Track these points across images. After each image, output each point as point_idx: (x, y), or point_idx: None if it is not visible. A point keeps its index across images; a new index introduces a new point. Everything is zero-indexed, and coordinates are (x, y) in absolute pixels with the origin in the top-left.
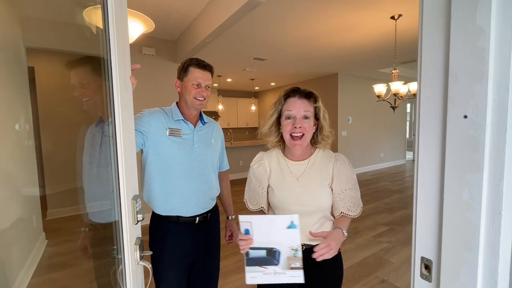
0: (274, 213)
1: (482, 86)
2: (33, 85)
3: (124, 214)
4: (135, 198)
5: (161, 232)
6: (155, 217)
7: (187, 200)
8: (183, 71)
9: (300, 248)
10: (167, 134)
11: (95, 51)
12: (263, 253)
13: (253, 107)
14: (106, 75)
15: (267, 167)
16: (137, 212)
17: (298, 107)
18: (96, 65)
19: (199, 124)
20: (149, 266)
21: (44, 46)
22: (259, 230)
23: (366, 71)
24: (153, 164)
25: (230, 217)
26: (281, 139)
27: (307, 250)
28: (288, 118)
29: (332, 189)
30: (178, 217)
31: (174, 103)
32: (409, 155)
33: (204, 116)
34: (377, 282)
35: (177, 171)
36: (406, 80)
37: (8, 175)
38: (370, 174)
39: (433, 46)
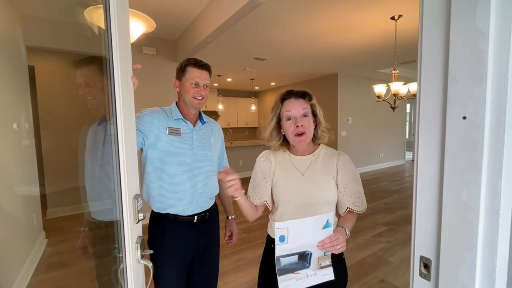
0: (278, 208)
1: (481, 87)
2: (33, 84)
3: (126, 213)
4: (136, 197)
5: (160, 231)
6: (154, 215)
7: (185, 198)
8: (181, 71)
9: None
10: (167, 133)
11: (95, 51)
12: (294, 258)
13: (253, 107)
14: (108, 74)
15: (273, 162)
16: (138, 211)
17: (296, 107)
18: (101, 64)
19: (199, 123)
20: (150, 265)
21: (44, 45)
22: (294, 235)
23: (366, 71)
24: (153, 162)
25: (230, 217)
26: (283, 142)
27: None
28: (289, 119)
29: (337, 184)
30: (176, 216)
31: (174, 102)
32: (408, 156)
33: (204, 115)
34: (376, 282)
35: (176, 169)
36: (406, 81)
37: (8, 174)
38: (370, 174)
39: (433, 47)
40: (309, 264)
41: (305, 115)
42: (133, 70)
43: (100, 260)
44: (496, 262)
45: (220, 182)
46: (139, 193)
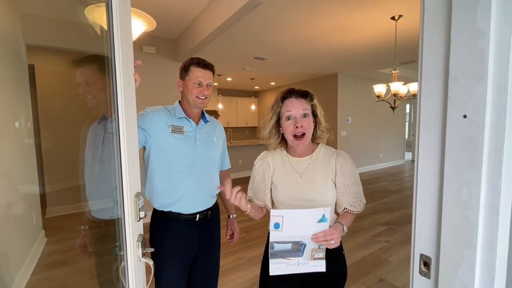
0: (277, 209)
1: (481, 86)
2: (33, 82)
3: (127, 211)
4: (137, 195)
5: (162, 229)
6: (155, 214)
7: (188, 196)
8: (184, 71)
9: None
10: (170, 131)
11: (96, 49)
12: (288, 246)
13: (253, 107)
14: (110, 72)
15: (271, 165)
16: (139, 209)
17: (297, 107)
18: (102, 64)
19: (201, 122)
20: (151, 263)
21: (44, 44)
22: (289, 224)
23: (366, 71)
24: (156, 160)
25: (231, 216)
26: (282, 141)
27: None
28: (288, 119)
29: (335, 184)
30: (178, 214)
31: (177, 101)
32: (408, 156)
33: (206, 114)
34: (375, 281)
35: (179, 167)
36: (406, 81)
37: (8, 173)
38: (369, 174)
39: (434, 46)
40: (302, 254)
41: (305, 116)
42: (134, 67)
43: (100, 258)
44: (495, 260)
45: (221, 180)
46: (140, 191)
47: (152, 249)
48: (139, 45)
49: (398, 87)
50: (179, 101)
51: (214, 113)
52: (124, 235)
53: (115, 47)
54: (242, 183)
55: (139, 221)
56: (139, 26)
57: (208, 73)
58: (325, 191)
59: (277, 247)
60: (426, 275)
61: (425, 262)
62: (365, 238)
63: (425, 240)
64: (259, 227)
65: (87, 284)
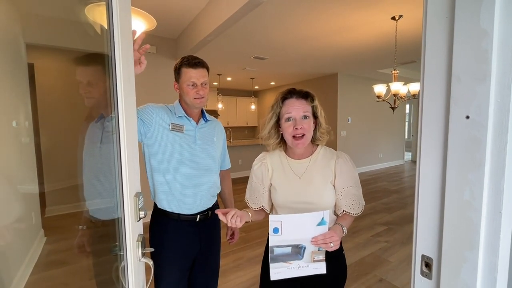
0: (277, 212)
1: (484, 87)
2: (33, 82)
3: (127, 211)
4: (137, 195)
5: (162, 229)
6: (156, 214)
7: (187, 196)
8: (177, 73)
9: None
10: (169, 128)
11: (96, 49)
12: (288, 250)
13: (253, 106)
14: (110, 71)
15: (269, 167)
16: (139, 209)
17: (297, 108)
18: (105, 64)
19: (201, 121)
20: (150, 263)
21: (44, 43)
22: (288, 229)
23: (366, 71)
24: (155, 158)
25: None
26: (281, 141)
27: None
28: (288, 120)
29: (334, 187)
30: (178, 214)
31: (177, 100)
32: (407, 156)
33: (207, 114)
34: (375, 281)
35: (178, 166)
36: (406, 81)
37: (7, 172)
38: (369, 174)
39: (436, 47)
40: (302, 257)
41: (305, 117)
42: (143, 51)
43: (99, 258)
44: (498, 261)
45: (221, 180)
46: (140, 190)
47: (152, 249)
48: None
49: (398, 87)
50: (179, 100)
51: (214, 113)
52: (124, 235)
53: (115, 46)
54: (242, 182)
55: (139, 221)
56: (140, 25)
57: (200, 71)
58: (324, 193)
59: (277, 251)
60: (427, 276)
61: (427, 263)
62: (364, 238)
63: (427, 241)
64: (258, 227)
65: (87, 284)
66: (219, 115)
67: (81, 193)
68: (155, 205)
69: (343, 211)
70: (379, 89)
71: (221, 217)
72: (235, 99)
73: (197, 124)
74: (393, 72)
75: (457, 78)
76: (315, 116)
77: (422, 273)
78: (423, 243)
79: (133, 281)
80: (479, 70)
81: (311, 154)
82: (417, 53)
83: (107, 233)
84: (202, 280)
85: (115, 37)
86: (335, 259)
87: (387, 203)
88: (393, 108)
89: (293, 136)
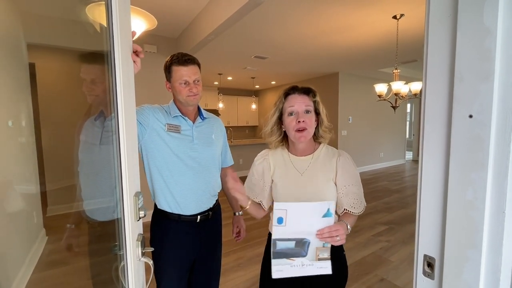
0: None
1: (487, 85)
2: (34, 81)
3: (127, 211)
4: (137, 194)
5: (162, 230)
6: (156, 214)
7: (187, 196)
8: (167, 72)
9: None
10: (165, 129)
11: (97, 48)
12: (291, 244)
13: (254, 106)
14: (109, 70)
15: (271, 164)
16: (139, 208)
17: (300, 102)
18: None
19: (198, 119)
20: (150, 262)
21: (45, 43)
22: (293, 219)
23: (367, 70)
24: (153, 159)
25: (237, 213)
26: (283, 139)
27: None
28: (291, 114)
29: (336, 185)
30: (179, 215)
31: (171, 100)
32: (408, 155)
33: (204, 111)
34: (376, 281)
35: (176, 166)
36: (407, 80)
37: (8, 172)
38: (370, 173)
39: (439, 45)
40: (306, 253)
41: (307, 112)
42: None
43: (98, 258)
44: (501, 262)
45: (223, 179)
46: (139, 190)
47: (152, 249)
48: (140, 43)
49: (400, 87)
50: (173, 100)
51: (215, 112)
52: (124, 234)
53: (114, 45)
54: (243, 182)
55: (138, 220)
56: (140, 24)
57: (192, 68)
58: (326, 190)
59: (280, 245)
60: (430, 276)
61: (429, 263)
62: (365, 237)
63: (429, 241)
64: (259, 226)
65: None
66: (220, 115)
67: (79, 194)
68: (155, 205)
69: (344, 209)
70: (380, 88)
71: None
72: (235, 98)
73: (193, 122)
74: (394, 71)
75: (460, 76)
76: (317, 113)
77: (424, 273)
78: (425, 243)
79: (133, 281)
80: (482, 68)
81: (313, 152)
82: (419, 52)
83: (104, 233)
84: (203, 280)
85: (115, 36)
86: (336, 259)
87: (388, 203)
88: (394, 108)
89: (296, 130)
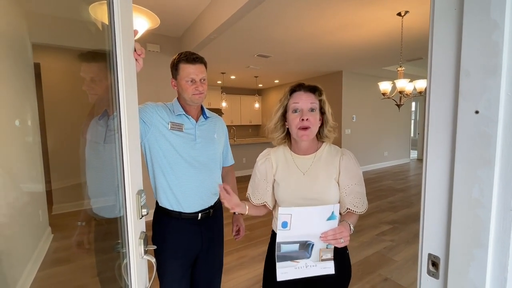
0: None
1: (495, 80)
2: (39, 81)
3: (129, 209)
4: (139, 193)
5: (164, 227)
6: (158, 212)
7: (189, 194)
8: (174, 70)
9: None
10: (169, 128)
11: (101, 47)
12: (295, 247)
13: (257, 105)
14: (111, 69)
15: (273, 162)
16: (141, 206)
17: (305, 100)
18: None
19: (201, 118)
20: (153, 260)
21: (50, 43)
22: (297, 223)
23: (371, 69)
24: (156, 157)
25: (236, 212)
26: (286, 136)
27: None
28: (295, 111)
29: (338, 184)
30: (180, 213)
31: (175, 98)
32: (413, 154)
33: (206, 110)
34: (380, 280)
35: (178, 164)
36: (412, 78)
37: (14, 171)
38: (374, 172)
39: (445, 40)
40: (310, 255)
41: (312, 110)
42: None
43: (103, 256)
44: (508, 261)
45: (224, 178)
46: (142, 188)
47: (154, 247)
48: (143, 43)
49: (404, 85)
50: (177, 98)
51: (218, 111)
52: (126, 232)
53: (116, 43)
54: (246, 181)
55: (141, 218)
56: (143, 23)
57: (199, 67)
58: (328, 190)
59: (284, 248)
60: (434, 275)
61: (434, 262)
62: (369, 236)
63: (434, 239)
64: (262, 225)
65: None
66: (223, 114)
67: (85, 191)
68: (157, 203)
69: (347, 209)
70: (385, 86)
71: (221, 192)
72: (239, 97)
73: (196, 121)
74: (398, 69)
75: (466, 71)
76: (322, 112)
77: (429, 272)
78: (430, 241)
79: (135, 278)
80: (489, 63)
81: (316, 151)
82: (424, 49)
83: (110, 230)
84: (205, 277)
85: (117, 34)
86: (339, 258)
87: (392, 202)
88: (398, 106)
89: (299, 128)
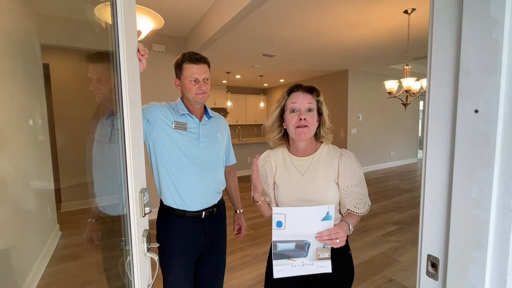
0: None
1: (494, 79)
2: (48, 81)
3: (132, 207)
4: (142, 191)
5: (168, 226)
6: (162, 210)
7: (192, 193)
8: (178, 69)
9: None
10: (173, 127)
11: (106, 48)
12: (291, 246)
13: (262, 104)
14: (114, 69)
15: (273, 164)
16: (144, 205)
17: (302, 100)
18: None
19: (205, 118)
20: (156, 257)
21: (59, 43)
22: (292, 222)
23: (378, 67)
24: (159, 156)
25: (238, 211)
26: (283, 138)
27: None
28: (293, 111)
29: (338, 185)
30: (184, 211)
31: (179, 98)
32: (421, 154)
33: (209, 110)
34: (384, 281)
35: (182, 163)
36: (419, 77)
37: (24, 169)
38: (380, 172)
39: (444, 38)
40: (307, 254)
41: (309, 110)
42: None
43: (109, 253)
44: (508, 263)
45: (226, 177)
46: (145, 187)
47: (157, 244)
48: (149, 43)
49: (411, 83)
50: (181, 98)
51: (223, 111)
52: (129, 230)
53: (119, 43)
54: (250, 180)
55: (144, 216)
56: (147, 24)
57: (202, 67)
58: (327, 191)
59: (280, 246)
60: (433, 276)
61: (433, 263)
62: (374, 237)
63: (433, 240)
64: (266, 224)
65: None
66: (228, 113)
67: (91, 189)
68: (161, 201)
69: (347, 210)
70: (390, 85)
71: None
72: (244, 97)
73: (200, 121)
74: (405, 67)
75: (466, 70)
76: (319, 113)
77: (428, 273)
78: (429, 242)
79: (138, 275)
80: (489, 61)
81: (315, 152)
82: None
83: (116, 228)
84: (208, 274)
85: (120, 34)
86: (341, 258)
87: (398, 202)
88: (405, 105)
89: (296, 126)
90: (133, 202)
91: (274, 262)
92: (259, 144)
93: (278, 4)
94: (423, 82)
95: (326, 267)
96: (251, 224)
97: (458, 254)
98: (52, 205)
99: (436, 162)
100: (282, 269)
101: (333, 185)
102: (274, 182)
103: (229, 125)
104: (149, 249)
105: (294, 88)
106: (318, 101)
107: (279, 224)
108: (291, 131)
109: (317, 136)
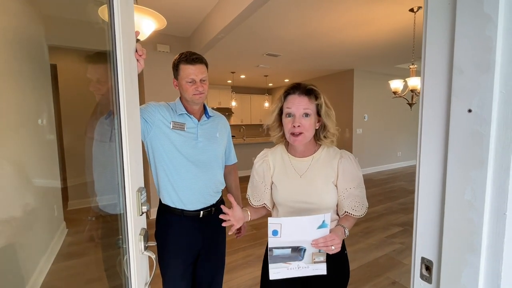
0: (277, 210)
1: (488, 78)
2: (56, 82)
3: (129, 206)
4: (140, 190)
5: (166, 225)
6: (161, 209)
7: (190, 192)
8: (175, 70)
9: None
10: (171, 127)
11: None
12: (287, 251)
13: (267, 104)
14: (112, 69)
15: (271, 164)
16: (141, 203)
17: (297, 105)
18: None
19: (204, 118)
20: (153, 256)
21: (66, 45)
22: (288, 231)
23: (383, 67)
24: (158, 156)
25: None
26: (283, 136)
27: None
28: (288, 116)
29: (336, 187)
30: (182, 210)
31: (178, 98)
32: None
33: (209, 109)
34: (387, 283)
35: (181, 164)
36: None
37: (31, 167)
38: (386, 173)
39: (438, 36)
40: (302, 258)
41: (306, 115)
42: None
43: (109, 251)
44: (501, 267)
45: (226, 176)
46: (143, 186)
47: (154, 243)
48: (153, 43)
49: (416, 83)
50: (179, 98)
51: (228, 111)
52: (126, 228)
53: (116, 43)
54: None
55: (141, 215)
56: (150, 24)
57: (199, 67)
58: (326, 193)
59: (277, 252)
60: (427, 279)
61: (427, 266)
62: (378, 239)
63: (427, 242)
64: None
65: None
66: (233, 113)
67: (92, 188)
68: (160, 200)
69: (345, 212)
70: (395, 84)
71: (225, 211)
72: (249, 96)
73: (198, 121)
74: (411, 67)
75: (459, 68)
76: (319, 115)
77: (422, 276)
78: (422, 245)
79: (135, 273)
80: (482, 59)
81: (314, 153)
82: None
83: (115, 226)
84: (207, 274)
85: (117, 34)
86: (337, 259)
87: (404, 203)
88: (410, 105)
89: (291, 133)
90: (130, 201)
91: (270, 265)
92: (264, 144)
93: (280, 4)
94: None
95: (321, 269)
96: (253, 224)
97: (452, 257)
98: (58, 203)
99: (430, 162)
100: (278, 271)
101: (331, 187)
102: (272, 182)
103: (234, 125)
104: (146, 248)
105: (291, 90)
106: (317, 105)
107: (275, 232)
108: (287, 136)
109: (317, 138)
